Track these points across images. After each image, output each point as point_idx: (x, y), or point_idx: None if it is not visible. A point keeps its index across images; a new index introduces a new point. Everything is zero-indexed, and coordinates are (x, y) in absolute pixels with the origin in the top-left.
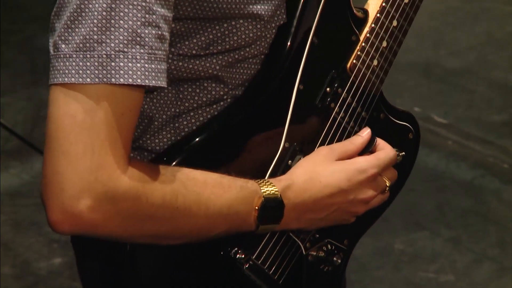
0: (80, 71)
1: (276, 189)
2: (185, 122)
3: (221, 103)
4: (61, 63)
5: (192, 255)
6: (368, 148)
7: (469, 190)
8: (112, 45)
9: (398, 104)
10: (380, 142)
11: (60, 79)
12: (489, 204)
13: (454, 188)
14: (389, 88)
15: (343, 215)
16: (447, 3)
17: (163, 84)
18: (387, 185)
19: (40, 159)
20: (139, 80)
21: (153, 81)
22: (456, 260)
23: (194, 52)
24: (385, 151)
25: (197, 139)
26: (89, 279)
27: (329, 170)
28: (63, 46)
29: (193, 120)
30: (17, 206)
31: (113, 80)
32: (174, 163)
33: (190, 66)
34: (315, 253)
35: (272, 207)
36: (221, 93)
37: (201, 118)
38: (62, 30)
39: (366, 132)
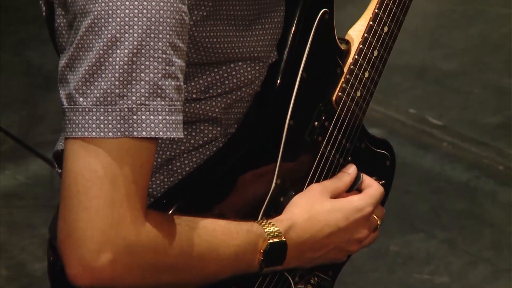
0: (102, 125)
1: (280, 230)
2: (178, 164)
3: (215, 143)
4: (80, 117)
5: None
6: (355, 185)
7: (464, 191)
8: (134, 98)
9: (394, 105)
10: (365, 178)
11: (80, 133)
12: (484, 206)
13: (449, 189)
14: (385, 90)
15: (338, 253)
16: (442, 5)
17: (181, 135)
18: (378, 223)
19: (36, 161)
20: (161, 133)
21: (174, 133)
22: (451, 262)
23: (194, 96)
24: (374, 188)
25: (192, 182)
26: None
27: (326, 208)
28: (81, 99)
29: (186, 162)
30: (12, 207)
31: (135, 133)
32: (173, 207)
33: (191, 110)
34: (303, 286)
35: (277, 249)
36: (217, 134)
37: (195, 159)
38: (80, 83)
39: (352, 169)
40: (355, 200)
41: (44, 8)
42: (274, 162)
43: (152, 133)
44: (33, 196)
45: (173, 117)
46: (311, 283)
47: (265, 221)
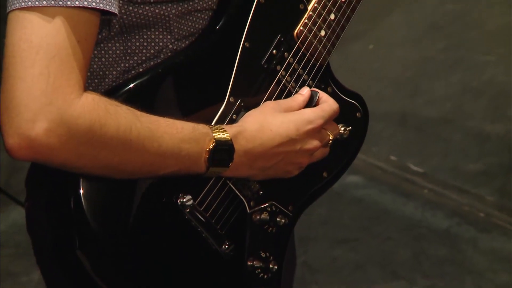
0: None
1: (228, 134)
2: (133, 77)
3: (169, 54)
4: None
5: (135, 200)
6: (310, 105)
7: (445, 238)
8: None
9: (374, 152)
10: (323, 95)
11: (17, 5)
12: (465, 253)
13: (430, 236)
14: (366, 137)
15: (288, 165)
16: (423, 52)
17: (115, 10)
18: (330, 138)
19: (17, 209)
20: (94, 4)
21: (107, 6)
22: None
23: None
24: (328, 103)
25: (139, 82)
26: (37, 225)
27: (278, 120)
28: None
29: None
30: None
31: (68, 3)
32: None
33: (141, 11)
34: (259, 213)
35: (223, 150)
36: (168, 44)
37: None
38: None
39: (306, 91)
40: (306, 112)
41: None
42: (227, 80)
43: (85, 3)
44: (13, 244)
45: None
46: (268, 211)
47: (216, 125)
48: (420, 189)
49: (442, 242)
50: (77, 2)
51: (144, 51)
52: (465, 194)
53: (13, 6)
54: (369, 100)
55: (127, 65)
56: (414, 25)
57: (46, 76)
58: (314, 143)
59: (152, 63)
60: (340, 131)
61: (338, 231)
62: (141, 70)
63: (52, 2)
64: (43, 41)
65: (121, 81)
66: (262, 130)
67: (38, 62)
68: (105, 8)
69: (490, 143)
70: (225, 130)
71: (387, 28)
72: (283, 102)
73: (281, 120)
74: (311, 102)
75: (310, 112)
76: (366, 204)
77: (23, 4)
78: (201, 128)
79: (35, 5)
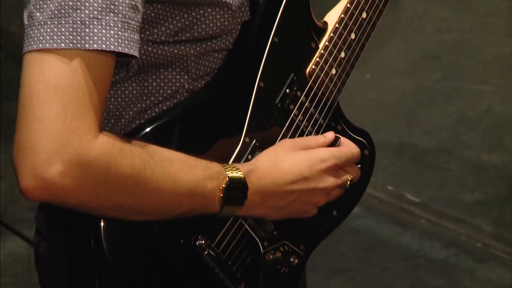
0: (55, 37)
1: (240, 172)
2: (150, 118)
3: (186, 94)
4: (36, 31)
5: (153, 242)
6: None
7: (442, 269)
8: (87, 11)
9: (371, 182)
10: (344, 140)
11: (35, 46)
12: (462, 283)
13: (427, 267)
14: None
15: (304, 205)
16: (419, 83)
17: (135, 53)
18: (349, 179)
19: (13, 238)
20: (112, 47)
21: (126, 49)
22: None
23: (163, 38)
24: (347, 146)
25: (157, 124)
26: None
27: (291, 158)
28: (38, 14)
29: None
30: None
31: (87, 45)
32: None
33: (160, 51)
34: (272, 253)
35: (237, 187)
36: (185, 84)
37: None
38: None
39: (330, 134)
40: (320, 151)
41: None
42: (243, 120)
43: (103, 46)
44: (10, 274)
45: (126, 34)
46: (280, 250)
47: (228, 163)
48: (417, 219)
49: (439, 272)
50: (95, 45)
51: (161, 91)
52: (462, 224)
53: (30, 47)
54: (366, 129)
55: (143, 105)
56: (410, 54)
57: (63, 117)
58: (329, 182)
59: (168, 103)
60: None
61: (335, 261)
62: (157, 110)
63: (71, 45)
64: (61, 82)
65: (137, 121)
66: (274, 168)
67: (55, 103)
68: (123, 51)
69: (487, 173)
70: (238, 168)
71: (383, 57)
72: (301, 140)
73: (294, 158)
74: (332, 145)
75: (324, 151)
76: (363, 234)
77: (40, 46)
78: (215, 166)
79: (53, 47)
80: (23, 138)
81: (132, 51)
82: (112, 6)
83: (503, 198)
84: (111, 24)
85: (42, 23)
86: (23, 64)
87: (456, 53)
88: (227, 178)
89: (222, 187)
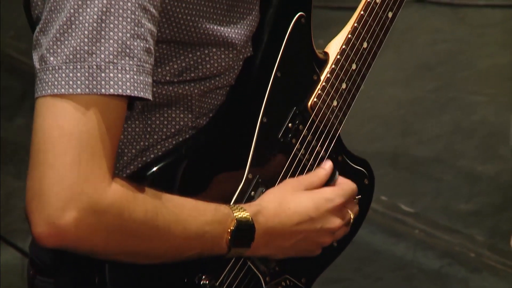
0: (70, 82)
1: (248, 213)
2: (152, 156)
3: (189, 132)
4: (50, 75)
5: (158, 281)
6: (330, 181)
7: (436, 279)
8: (102, 56)
9: None
10: (340, 177)
11: (49, 91)
12: None
13: (421, 277)
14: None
15: (310, 245)
16: (414, 93)
17: (149, 97)
18: (351, 217)
19: (7, 249)
20: (128, 91)
21: (141, 93)
22: None
23: (168, 78)
24: (347, 183)
25: (163, 164)
26: None
27: (298, 198)
28: (52, 58)
29: (160, 153)
30: None
31: (103, 90)
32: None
33: (164, 92)
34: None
35: (244, 230)
36: (189, 123)
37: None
38: (51, 43)
39: (328, 165)
40: (326, 191)
41: None
42: (246, 157)
43: (120, 90)
44: (4, 285)
45: (141, 78)
46: (282, 285)
47: (235, 205)
48: (411, 229)
49: (433, 283)
50: (111, 90)
51: (164, 129)
52: (456, 234)
53: (44, 92)
54: (360, 139)
55: (146, 143)
56: (405, 65)
57: (78, 165)
58: (335, 222)
59: (171, 140)
60: None
61: (330, 271)
62: (159, 147)
63: (87, 90)
64: (76, 129)
65: (139, 159)
66: (281, 208)
67: (70, 151)
68: (139, 95)
69: (481, 183)
70: (245, 210)
71: (378, 68)
72: (304, 179)
73: (300, 199)
74: (332, 178)
75: (330, 190)
76: (357, 244)
77: (55, 91)
78: (223, 209)
79: (69, 93)
80: (37, 185)
81: (147, 94)
82: (127, 50)
83: (497, 208)
84: (127, 68)
85: (57, 67)
86: (35, 108)
87: (450, 64)
88: (235, 221)
89: (230, 229)
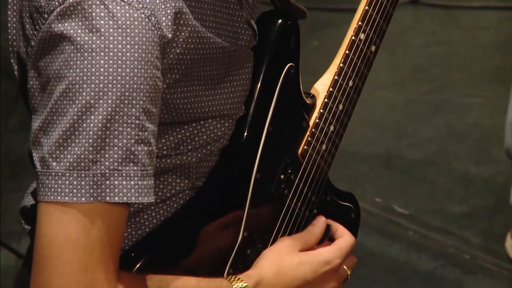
0: (75, 190)
1: (247, 284)
2: (146, 216)
3: (182, 195)
4: (53, 181)
5: None
6: (325, 237)
7: (430, 281)
8: (107, 163)
9: (359, 194)
10: (338, 227)
11: (53, 198)
12: None
13: (415, 278)
14: (351, 179)
15: None
16: (408, 95)
17: (152, 199)
18: (348, 274)
19: (3, 251)
20: (133, 198)
21: (145, 198)
22: None
23: (165, 152)
24: (344, 239)
25: (159, 235)
26: None
27: (295, 262)
28: (54, 164)
29: (154, 214)
30: None
31: (107, 198)
32: (141, 261)
33: (162, 165)
34: None
35: None
36: (185, 187)
37: (162, 212)
38: (54, 148)
39: (321, 221)
40: (323, 253)
41: (16, 68)
42: (240, 215)
43: (125, 198)
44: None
45: (145, 182)
46: None
47: (234, 277)
48: (405, 231)
49: (427, 284)
50: (116, 198)
51: (160, 193)
52: (450, 236)
53: (47, 197)
54: (354, 142)
55: (140, 206)
56: (398, 67)
57: (85, 272)
58: (332, 284)
59: (168, 202)
60: None
61: None
62: (154, 209)
63: (91, 199)
64: (82, 237)
65: (132, 219)
66: (280, 277)
67: (77, 258)
68: (143, 201)
69: (475, 185)
70: (245, 282)
71: (371, 71)
72: (299, 238)
73: (297, 263)
74: (326, 234)
75: (327, 252)
76: None
77: (59, 198)
78: (224, 286)
79: (73, 201)
80: None
81: (150, 198)
82: (132, 156)
83: (491, 210)
84: (131, 175)
85: (60, 174)
86: (38, 211)
87: (444, 66)
88: None
89: None
